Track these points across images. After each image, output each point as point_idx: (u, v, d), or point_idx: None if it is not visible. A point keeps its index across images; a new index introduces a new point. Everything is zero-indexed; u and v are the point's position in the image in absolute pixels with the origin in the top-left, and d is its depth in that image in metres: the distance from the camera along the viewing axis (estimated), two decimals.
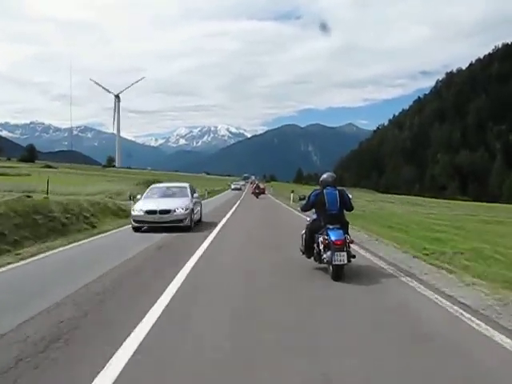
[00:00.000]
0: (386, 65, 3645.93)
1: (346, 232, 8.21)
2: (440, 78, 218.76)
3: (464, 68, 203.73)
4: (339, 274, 7.84)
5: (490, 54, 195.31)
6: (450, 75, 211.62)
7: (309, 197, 8.93)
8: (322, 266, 8.49)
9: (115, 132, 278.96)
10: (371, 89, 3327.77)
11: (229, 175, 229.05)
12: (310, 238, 8.75)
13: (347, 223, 8.62)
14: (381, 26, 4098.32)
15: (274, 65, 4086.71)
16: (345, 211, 8.74)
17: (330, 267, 7.95)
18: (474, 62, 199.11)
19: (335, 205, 8.38)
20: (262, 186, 65.13)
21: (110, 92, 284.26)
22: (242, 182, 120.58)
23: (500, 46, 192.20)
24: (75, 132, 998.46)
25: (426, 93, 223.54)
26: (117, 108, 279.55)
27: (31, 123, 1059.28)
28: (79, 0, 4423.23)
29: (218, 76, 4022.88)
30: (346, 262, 7.77)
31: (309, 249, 8.86)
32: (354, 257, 8.21)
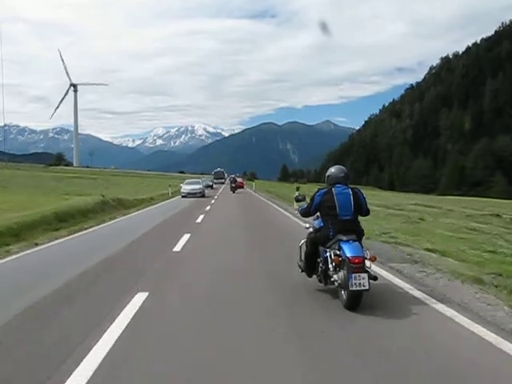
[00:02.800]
0: (361, 62, 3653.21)
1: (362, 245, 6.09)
2: (434, 64, 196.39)
3: (461, 52, 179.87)
4: (357, 302, 5.70)
5: (496, 32, 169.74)
6: (446, 60, 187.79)
7: (312, 198, 6.62)
8: (328, 287, 6.44)
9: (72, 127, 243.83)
10: (347, 86, 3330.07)
11: (202, 173, 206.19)
12: (313, 251, 6.64)
13: (363, 233, 6.42)
14: (356, 23, 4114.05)
15: (250, 63, 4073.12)
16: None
17: (343, 292, 5.84)
18: (478, 42, 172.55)
19: (349, 208, 6.24)
20: (239, 179, 61.67)
21: (69, 78, 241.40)
22: (208, 182, 62.76)
23: (508, 23, 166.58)
24: (51, 134, 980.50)
25: (406, 87, 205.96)
26: (74, 99, 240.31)
27: (5, 125, 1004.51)
28: (50, 0, 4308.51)
29: (195, 75, 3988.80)
30: (367, 287, 5.59)
31: (310, 265, 6.78)
32: (375, 279, 5.87)
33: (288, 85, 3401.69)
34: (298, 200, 8.07)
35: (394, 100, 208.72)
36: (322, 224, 6.54)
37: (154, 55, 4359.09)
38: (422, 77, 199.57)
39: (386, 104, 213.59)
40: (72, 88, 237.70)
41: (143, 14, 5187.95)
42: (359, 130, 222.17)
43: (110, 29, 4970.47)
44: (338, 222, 6.18)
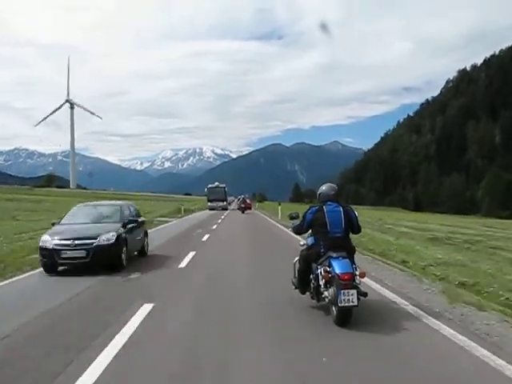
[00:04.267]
0: (369, 82, 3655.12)
1: (352, 262, 6.19)
2: (451, 77, 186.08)
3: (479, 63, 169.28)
4: (346, 318, 5.84)
5: None
6: (464, 72, 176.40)
7: (304, 215, 6.84)
8: (321, 303, 6.51)
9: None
10: (355, 106, 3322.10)
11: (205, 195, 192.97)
12: (306, 268, 6.74)
13: (354, 250, 6.58)
14: (363, 43, 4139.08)
15: (257, 84, 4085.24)
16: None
17: (334, 308, 5.95)
18: (503, 50, 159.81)
19: (339, 225, 6.40)
20: (248, 201, 61.74)
21: (67, 93, 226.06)
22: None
23: None
24: (59, 157, 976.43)
25: (415, 109, 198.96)
26: (70, 116, 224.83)
27: (15, 149, 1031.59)
28: (59, 23, 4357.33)
29: (202, 97, 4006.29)
30: (356, 303, 5.71)
31: (303, 282, 6.89)
32: (365, 295, 6.01)
33: (295, 105, 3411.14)
34: (292, 218, 7.77)
35: (407, 116, 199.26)
36: (314, 241, 6.61)
37: (161, 77, 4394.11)
38: (430, 96, 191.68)
39: (401, 120, 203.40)
40: (68, 105, 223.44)
41: (151, 36, 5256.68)
42: (372, 148, 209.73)
43: (117, 50, 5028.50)
44: (329, 239, 6.26)
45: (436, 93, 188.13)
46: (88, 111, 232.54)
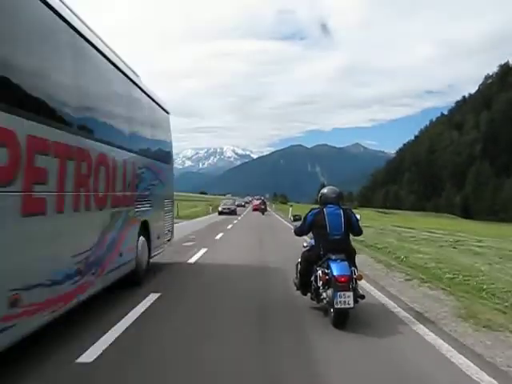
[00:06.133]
0: (391, 84, 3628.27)
1: (352, 264, 6.08)
2: (490, 73, 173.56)
3: None
4: (342, 319, 5.75)
5: None
6: (506, 66, 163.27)
7: (305, 217, 6.76)
8: (321, 305, 6.23)
9: None
10: (377, 108, 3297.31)
11: (223, 194, 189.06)
12: (307, 269, 6.57)
13: (354, 252, 6.45)
14: (385, 45, 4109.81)
15: (278, 86, 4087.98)
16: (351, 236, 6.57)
17: (331, 310, 5.82)
18: None
19: (339, 228, 6.30)
20: (256, 202, 64.75)
21: None
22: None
23: None
24: None
25: (437, 114, 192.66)
26: None
27: None
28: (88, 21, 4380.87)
29: (224, 97, 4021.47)
30: (351, 305, 5.64)
31: (304, 284, 6.69)
32: (362, 297, 6.03)
33: (317, 107, 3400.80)
34: (295, 219, 7.54)
35: (440, 114, 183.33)
36: (314, 243, 6.65)
37: (183, 76, 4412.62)
38: (452, 99, 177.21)
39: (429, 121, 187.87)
40: None
41: (174, 36, 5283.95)
42: (403, 149, 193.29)
43: (139, 50, 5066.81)
44: (329, 241, 6.23)
45: (458, 97, 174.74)
46: None
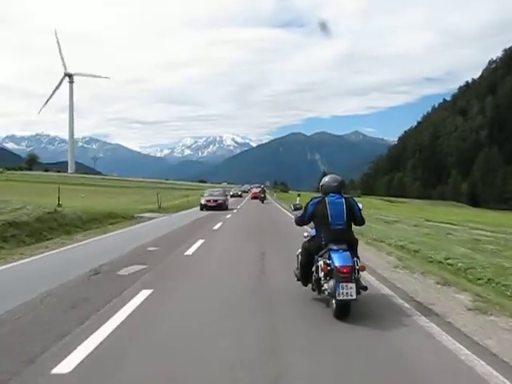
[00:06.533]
0: (390, 72, 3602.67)
1: (354, 254, 5.98)
2: (494, 58, 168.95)
3: None
4: (344, 311, 5.70)
5: None
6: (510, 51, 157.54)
7: (306, 206, 6.63)
8: (323, 296, 6.16)
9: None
10: (376, 96, 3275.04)
11: (219, 183, 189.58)
12: (308, 260, 6.54)
13: (356, 242, 6.36)
14: (384, 33, 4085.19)
15: (277, 73, 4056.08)
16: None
17: (333, 301, 5.79)
18: None
19: (341, 217, 6.17)
20: (255, 190, 65.02)
21: (64, 67, 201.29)
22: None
23: None
24: (80, 143, 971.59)
25: (436, 101, 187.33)
26: (69, 91, 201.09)
27: (37, 135, 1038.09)
28: (82, 11, 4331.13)
29: (222, 85, 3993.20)
30: (354, 296, 5.56)
31: (305, 274, 6.70)
32: (365, 288, 5.99)
33: (316, 94, 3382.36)
34: (295, 209, 7.89)
35: (443, 100, 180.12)
36: (315, 233, 6.53)
37: (181, 65, 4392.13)
38: (451, 86, 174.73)
39: (436, 105, 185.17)
40: (67, 79, 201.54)
41: (173, 24, 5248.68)
42: (405, 135, 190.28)
43: (138, 39, 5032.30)
44: (330, 231, 6.11)
45: (458, 84, 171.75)
46: (91, 76, 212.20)
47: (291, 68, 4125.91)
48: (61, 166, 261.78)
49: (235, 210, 33.07)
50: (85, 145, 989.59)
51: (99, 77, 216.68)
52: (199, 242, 13.31)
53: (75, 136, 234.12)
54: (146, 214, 25.53)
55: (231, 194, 63.09)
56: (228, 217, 25.61)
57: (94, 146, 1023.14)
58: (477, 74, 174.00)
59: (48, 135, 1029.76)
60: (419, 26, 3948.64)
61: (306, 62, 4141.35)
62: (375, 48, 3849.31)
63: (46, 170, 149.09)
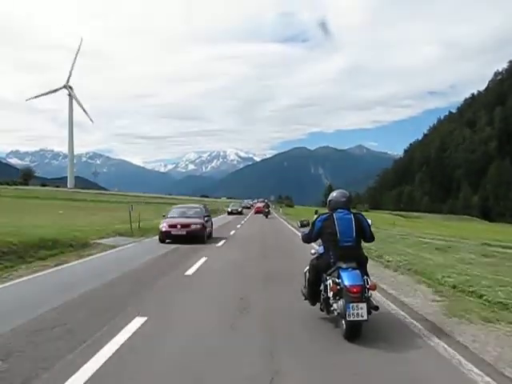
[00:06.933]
0: (393, 86, 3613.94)
1: (364, 273, 5.68)
2: (500, 69, 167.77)
3: None
4: (355, 332, 5.39)
5: None
6: None
7: (313, 223, 6.29)
8: (332, 316, 5.86)
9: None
10: (379, 110, 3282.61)
11: (219, 197, 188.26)
12: (316, 278, 6.26)
13: (366, 260, 6.04)
14: (387, 46, 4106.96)
15: (281, 88, 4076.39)
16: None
17: (343, 322, 5.47)
18: None
19: (350, 234, 5.86)
20: (259, 205, 63.44)
21: (66, 84, 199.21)
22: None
23: None
24: (84, 159, 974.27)
25: (439, 115, 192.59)
26: (69, 105, 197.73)
27: (41, 150, 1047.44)
28: (86, 26, 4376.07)
29: (226, 100, 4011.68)
30: (365, 317, 5.28)
31: (313, 293, 6.42)
32: (376, 308, 5.61)
33: (319, 109, 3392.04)
34: (302, 225, 7.13)
35: (448, 112, 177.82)
36: (323, 250, 6.24)
37: (185, 80, 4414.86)
38: (454, 100, 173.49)
39: (442, 117, 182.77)
40: (66, 91, 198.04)
41: (177, 40, 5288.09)
42: (411, 148, 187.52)
43: (142, 54, 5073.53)
44: (339, 248, 5.83)
45: (461, 97, 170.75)
46: (82, 108, 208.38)
47: (295, 83, 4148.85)
48: (64, 181, 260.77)
49: (232, 232, 25.14)
50: (89, 160, 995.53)
51: (87, 114, 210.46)
52: (134, 324, 5.84)
53: (79, 151, 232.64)
54: (109, 240, 18.35)
55: (229, 210, 56.31)
56: (219, 245, 17.99)
57: (98, 161, 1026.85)
58: (479, 87, 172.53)
59: (52, 150, 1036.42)
60: (423, 40, 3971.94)
61: (310, 76, 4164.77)
62: (379, 62, 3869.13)
63: (44, 185, 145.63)
